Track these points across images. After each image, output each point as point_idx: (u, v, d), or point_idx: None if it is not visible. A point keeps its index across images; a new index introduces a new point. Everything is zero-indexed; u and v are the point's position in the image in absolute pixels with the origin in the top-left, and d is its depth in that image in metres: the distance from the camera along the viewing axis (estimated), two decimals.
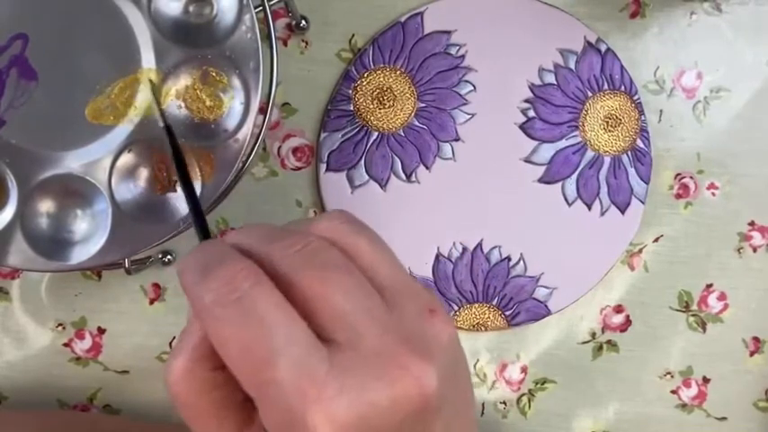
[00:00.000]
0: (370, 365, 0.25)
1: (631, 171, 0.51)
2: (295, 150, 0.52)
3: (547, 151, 0.51)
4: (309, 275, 0.26)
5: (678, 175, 0.52)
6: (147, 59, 0.42)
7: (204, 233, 0.31)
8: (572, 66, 0.51)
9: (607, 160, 0.51)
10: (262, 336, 0.25)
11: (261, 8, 0.43)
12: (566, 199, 0.52)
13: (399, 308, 0.27)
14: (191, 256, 0.27)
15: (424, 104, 0.51)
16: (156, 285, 0.52)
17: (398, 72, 0.51)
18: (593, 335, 0.53)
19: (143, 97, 0.42)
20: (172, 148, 0.35)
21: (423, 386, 0.25)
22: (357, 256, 0.27)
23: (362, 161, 0.51)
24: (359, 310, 0.26)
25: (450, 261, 0.52)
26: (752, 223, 0.53)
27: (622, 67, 0.51)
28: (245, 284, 0.25)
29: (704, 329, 0.54)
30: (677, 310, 0.53)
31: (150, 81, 0.42)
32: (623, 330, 0.53)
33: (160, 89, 0.42)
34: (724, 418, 0.54)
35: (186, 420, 0.27)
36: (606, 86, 0.51)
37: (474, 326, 0.52)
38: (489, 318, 0.52)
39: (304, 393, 0.24)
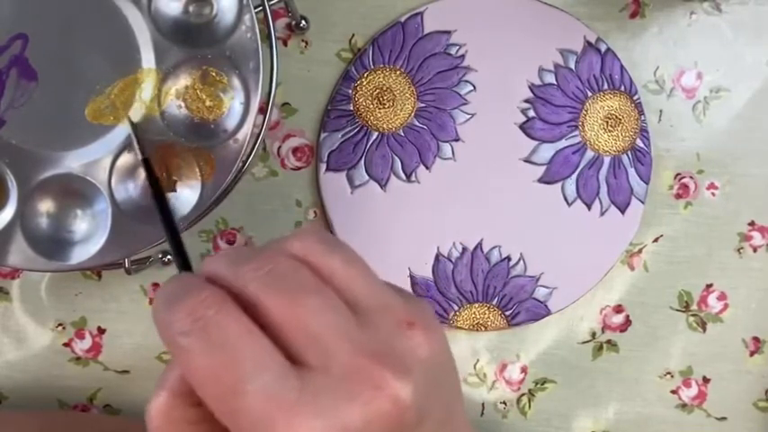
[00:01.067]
0: (343, 386, 0.24)
1: (631, 171, 0.51)
2: (295, 150, 0.52)
3: (547, 151, 0.51)
4: (278, 298, 0.25)
5: (678, 175, 0.52)
6: (147, 59, 0.42)
7: (185, 264, 0.31)
8: (572, 66, 0.51)
9: (607, 160, 0.51)
10: (228, 363, 0.24)
11: (261, 8, 0.43)
12: (565, 199, 0.52)
13: (374, 324, 0.26)
14: (159, 290, 0.27)
15: (423, 104, 0.51)
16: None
17: (398, 72, 0.51)
18: (594, 335, 0.53)
19: (143, 97, 0.42)
20: (150, 182, 0.34)
21: (397, 403, 0.24)
22: (329, 275, 0.27)
23: (362, 161, 0.51)
24: (329, 330, 0.25)
25: (450, 261, 0.52)
26: (752, 223, 0.53)
27: (622, 66, 0.51)
28: (209, 312, 0.25)
29: (704, 329, 0.53)
30: (677, 310, 0.53)
31: (128, 119, 0.42)
32: (623, 330, 0.53)
33: (160, 90, 0.42)
34: (724, 418, 0.54)
35: None
36: (606, 86, 0.51)
37: (474, 326, 0.52)
38: (489, 318, 0.52)
39: (273, 421, 0.24)
